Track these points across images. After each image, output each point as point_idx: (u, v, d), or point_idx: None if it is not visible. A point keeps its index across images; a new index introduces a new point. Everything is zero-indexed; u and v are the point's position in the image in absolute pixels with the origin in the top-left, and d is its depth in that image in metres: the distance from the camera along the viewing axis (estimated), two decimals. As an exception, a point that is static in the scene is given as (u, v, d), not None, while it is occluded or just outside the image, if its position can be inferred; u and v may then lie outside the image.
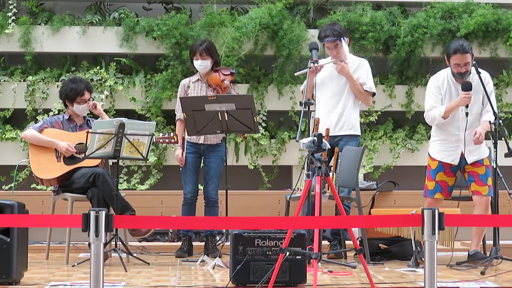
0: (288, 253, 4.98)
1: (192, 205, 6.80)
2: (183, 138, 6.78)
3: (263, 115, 8.37)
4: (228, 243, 5.52)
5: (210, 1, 8.47)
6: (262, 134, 8.28)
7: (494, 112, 6.13)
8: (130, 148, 6.18)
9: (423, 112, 6.47)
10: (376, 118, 8.50)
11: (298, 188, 6.41)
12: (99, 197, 6.28)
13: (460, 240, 7.33)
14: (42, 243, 7.12)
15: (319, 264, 5.27)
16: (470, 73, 6.24)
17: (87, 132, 6.06)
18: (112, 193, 6.24)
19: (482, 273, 5.69)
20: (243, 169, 8.33)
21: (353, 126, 6.72)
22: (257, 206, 7.71)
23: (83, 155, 6.35)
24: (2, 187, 8.12)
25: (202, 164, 6.87)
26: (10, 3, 8.25)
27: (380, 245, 6.58)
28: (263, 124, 8.35)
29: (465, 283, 5.32)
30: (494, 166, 6.13)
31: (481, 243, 6.43)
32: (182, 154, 6.75)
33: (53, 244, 6.84)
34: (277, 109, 8.46)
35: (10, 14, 8.19)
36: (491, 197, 6.20)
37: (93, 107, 6.65)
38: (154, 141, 6.55)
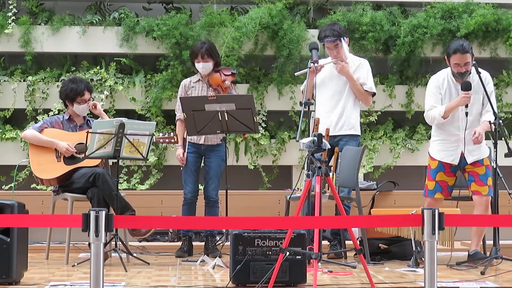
0: (288, 253, 4.98)
1: (192, 205, 6.80)
2: (184, 138, 6.78)
3: (263, 115, 8.37)
4: (228, 243, 5.52)
5: (210, 1, 8.47)
6: (262, 134, 8.28)
7: (494, 112, 6.13)
8: (130, 148, 6.18)
9: (423, 112, 6.47)
10: (376, 118, 8.50)
11: (298, 188, 6.41)
12: (99, 197, 6.28)
13: (460, 240, 7.33)
14: (42, 243, 7.12)
15: (319, 264, 5.27)
16: (470, 73, 6.24)
17: (87, 132, 6.06)
18: (112, 193, 6.24)
19: (482, 273, 5.69)
20: (243, 169, 8.33)
21: (353, 126, 6.72)
22: (257, 206, 7.71)
23: (83, 155, 6.36)
24: (2, 187, 8.12)
25: (202, 164, 6.88)
26: (10, 3, 8.25)
27: (380, 245, 6.58)
28: (263, 124, 8.35)
29: (465, 283, 5.32)
30: (494, 166, 6.13)
31: (481, 243, 6.43)
32: (183, 153, 6.75)
33: (53, 244, 6.84)
34: (277, 109, 8.46)
35: (10, 14, 8.19)
36: (491, 197, 6.20)
37: (93, 107, 6.65)
38: (154, 141, 6.56)
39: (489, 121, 6.10)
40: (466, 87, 6.11)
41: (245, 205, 7.61)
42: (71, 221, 4.01)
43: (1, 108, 8.23)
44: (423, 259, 5.08)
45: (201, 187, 7.00)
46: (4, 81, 8.20)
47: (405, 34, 8.33)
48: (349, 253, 6.69)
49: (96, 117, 6.94)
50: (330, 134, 6.38)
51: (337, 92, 6.70)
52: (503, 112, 8.52)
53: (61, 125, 6.64)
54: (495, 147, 6.04)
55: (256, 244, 5.13)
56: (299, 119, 5.86)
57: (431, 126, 6.55)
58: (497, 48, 8.54)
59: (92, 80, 8.13)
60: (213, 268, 5.98)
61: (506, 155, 6.05)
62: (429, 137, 7.36)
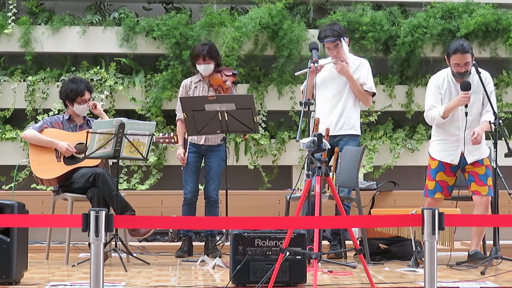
0: (288, 253, 4.98)
1: (192, 205, 6.80)
2: (185, 138, 6.78)
3: (263, 115, 8.37)
4: (228, 243, 5.52)
5: (210, 1, 8.47)
6: (262, 134, 8.28)
7: (494, 112, 6.13)
8: (130, 148, 6.18)
9: (423, 112, 6.47)
10: (376, 118, 8.50)
11: (298, 188, 6.41)
12: (99, 197, 6.28)
13: (460, 240, 7.33)
14: (42, 243, 7.12)
15: (319, 264, 5.26)
16: (470, 73, 6.24)
17: (87, 132, 6.06)
18: (112, 193, 6.24)
19: (482, 273, 5.69)
20: (243, 169, 8.33)
21: (353, 126, 6.72)
22: (257, 206, 7.71)
23: (83, 155, 6.36)
24: (2, 187, 8.12)
25: (202, 164, 6.88)
26: (10, 3, 8.25)
27: (380, 245, 6.58)
28: (263, 124, 8.35)
29: (465, 283, 5.32)
30: (494, 166, 6.13)
31: (481, 243, 6.43)
32: (184, 153, 6.75)
33: (53, 244, 6.84)
34: (277, 109, 8.46)
35: (10, 14, 8.19)
36: (491, 197, 6.20)
37: (93, 107, 6.65)
38: (154, 141, 6.55)
39: (489, 121, 6.10)
40: (466, 87, 6.11)
41: (245, 205, 7.61)
42: (71, 221, 4.01)
43: (1, 108, 8.23)
44: (423, 259, 5.08)
45: (201, 187, 7.00)
46: (4, 81, 8.20)
47: (405, 34, 8.33)
48: (349, 253, 6.69)
49: (96, 117, 6.94)
50: (330, 134, 6.38)
51: (337, 92, 6.70)
52: (503, 112, 8.52)
53: (61, 125, 6.64)
54: (495, 147, 6.04)
55: (256, 244, 5.13)
56: (299, 119, 5.86)
57: (431, 126, 6.55)
58: (497, 48, 8.54)
59: (92, 80, 8.13)
60: (213, 268, 5.98)
61: (506, 155, 6.05)
62: (429, 137, 7.36)
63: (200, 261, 6.26)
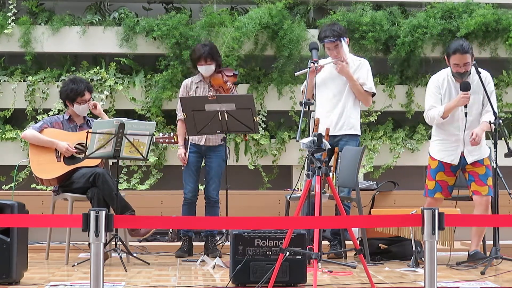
0: (288, 253, 4.98)
1: (192, 205, 6.80)
2: (186, 138, 6.78)
3: (263, 115, 8.37)
4: (228, 243, 5.52)
5: (210, 1, 8.47)
6: (262, 134, 8.28)
7: (494, 112, 6.12)
8: (130, 148, 6.18)
9: (423, 112, 6.47)
10: (376, 118, 8.50)
11: (298, 188, 6.41)
12: (99, 197, 6.28)
13: (460, 240, 7.33)
14: (42, 243, 7.12)
15: (319, 264, 5.26)
16: (470, 73, 6.23)
17: (87, 132, 6.07)
18: (112, 193, 6.24)
19: (482, 273, 5.69)
20: (243, 169, 8.33)
21: (353, 126, 6.72)
22: (257, 206, 7.71)
23: (83, 155, 6.36)
24: (2, 187, 8.12)
25: (203, 164, 6.88)
26: (10, 3, 8.25)
27: (380, 245, 6.58)
28: (263, 124, 8.35)
29: (465, 283, 5.32)
30: (494, 166, 6.13)
31: (481, 243, 6.43)
32: (185, 153, 6.75)
33: (53, 244, 6.84)
34: (277, 109, 8.46)
35: (10, 14, 8.19)
36: (491, 197, 6.20)
37: (93, 107, 6.65)
38: (154, 141, 6.55)
39: (489, 121, 6.10)
40: (465, 87, 6.11)
41: (245, 205, 7.61)
42: (71, 221, 4.01)
43: (1, 108, 8.23)
44: (423, 259, 5.08)
45: (201, 187, 7.00)
46: (4, 81, 8.20)
47: (405, 34, 8.33)
48: (349, 253, 6.69)
49: (96, 117, 6.94)
50: (330, 134, 6.38)
51: (337, 92, 6.70)
52: (503, 112, 8.52)
53: (61, 125, 6.64)
54: (495, 147, 6.04)
55: (256, 244, 5.13)
56: (299, 119, 5.87)
57: (431, 126, 6.55)
58: (497, 48, 8.54)
59: (92, 80, 8.13)
60: (213, 268, 5.98)
61: (506, 155, 6.05)
62: (429, 137, 7.36)
63: (200, 261, 6.26)
